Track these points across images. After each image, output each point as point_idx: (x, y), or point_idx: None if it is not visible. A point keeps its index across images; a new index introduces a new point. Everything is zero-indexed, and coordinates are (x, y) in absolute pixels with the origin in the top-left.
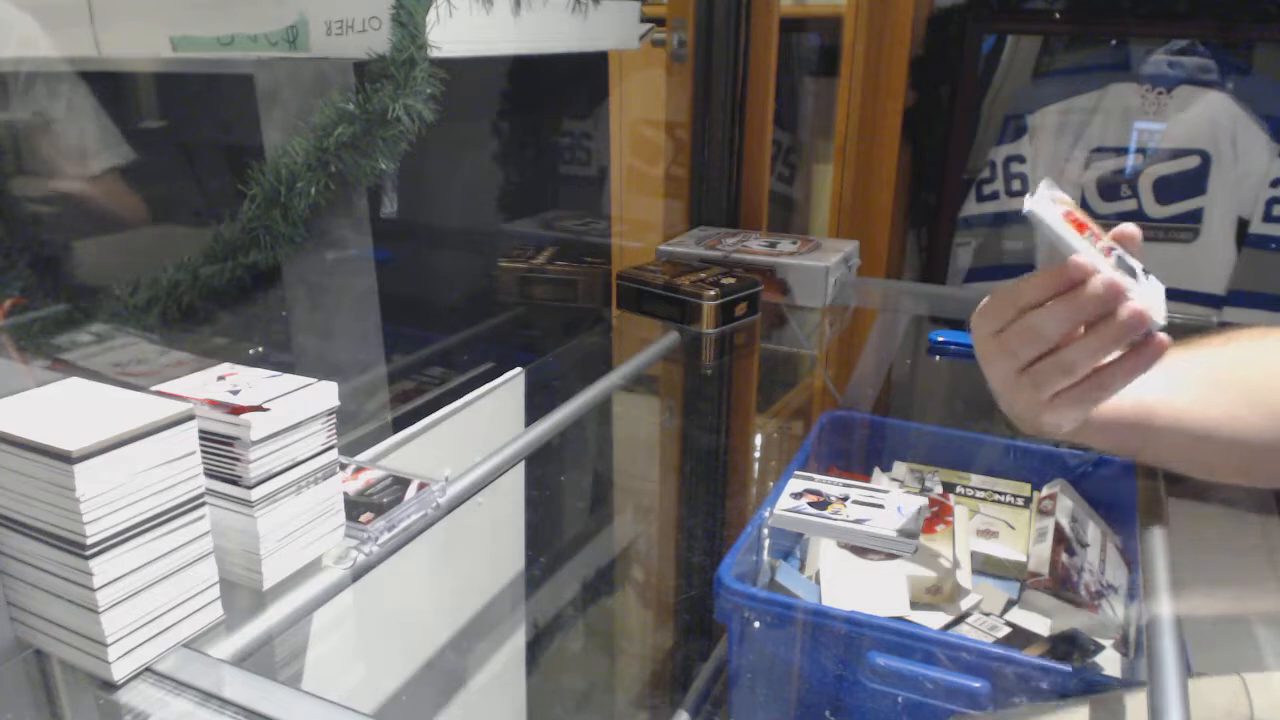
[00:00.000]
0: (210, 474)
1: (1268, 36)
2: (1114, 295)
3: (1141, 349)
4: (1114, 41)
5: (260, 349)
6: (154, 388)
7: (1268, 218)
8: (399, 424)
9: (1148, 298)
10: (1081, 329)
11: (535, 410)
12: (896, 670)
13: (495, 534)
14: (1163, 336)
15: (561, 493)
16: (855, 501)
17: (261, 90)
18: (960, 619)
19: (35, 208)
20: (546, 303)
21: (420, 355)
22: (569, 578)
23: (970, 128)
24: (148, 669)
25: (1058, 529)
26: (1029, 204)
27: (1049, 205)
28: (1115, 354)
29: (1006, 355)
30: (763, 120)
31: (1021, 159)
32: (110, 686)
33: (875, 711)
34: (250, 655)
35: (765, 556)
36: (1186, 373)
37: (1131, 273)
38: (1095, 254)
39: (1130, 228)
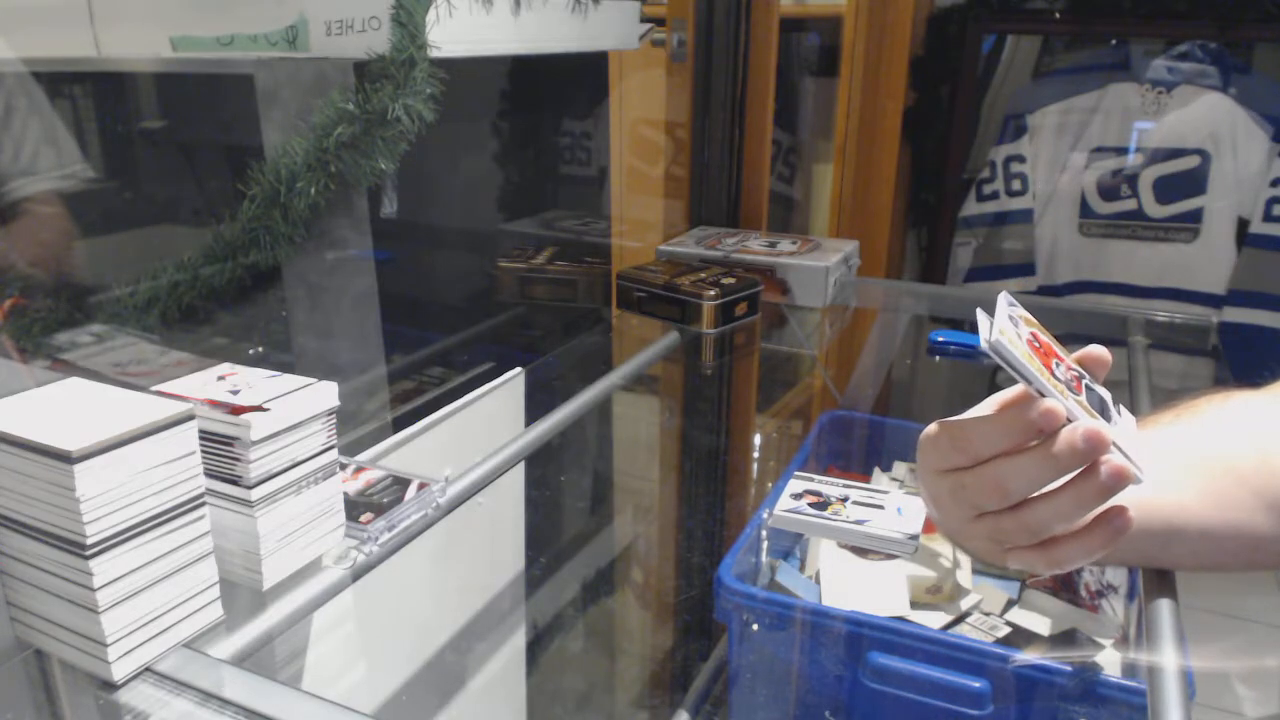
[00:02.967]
0: (210, 474)
1: (1268, 36)
2: (1097, 449)
3: (1106, 524)
4: (1114, 41)
5: (260, 349)
6: (154, 388)
7: (1268, 217)
8: (399, 424)
9: (1125, 442)
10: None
11: (535, 410)
12: (896, 670)
13: (495, 534)
14: (1129, 514)
15: (561, 493)
16: (855, 502)
17: (261, 90)
18: (960, 619)
19: None
20: (546, 303)
21: (420, 355)
22: (569, 578)
23: (970, 128)
24: (148, 669)
25: None
26: (990, 335)
27: (1012, 336)
28: (1088, 516)
29: (961, 503)
30: (763, 120)
31: (1021, 159)
32: (110, 686)
33: (875, 711)
34: (250, 655)
35: (765, 557)
36: (1191, 466)
37: (1103, 407)
38: (1067, 394)
39: (1099, 351)
